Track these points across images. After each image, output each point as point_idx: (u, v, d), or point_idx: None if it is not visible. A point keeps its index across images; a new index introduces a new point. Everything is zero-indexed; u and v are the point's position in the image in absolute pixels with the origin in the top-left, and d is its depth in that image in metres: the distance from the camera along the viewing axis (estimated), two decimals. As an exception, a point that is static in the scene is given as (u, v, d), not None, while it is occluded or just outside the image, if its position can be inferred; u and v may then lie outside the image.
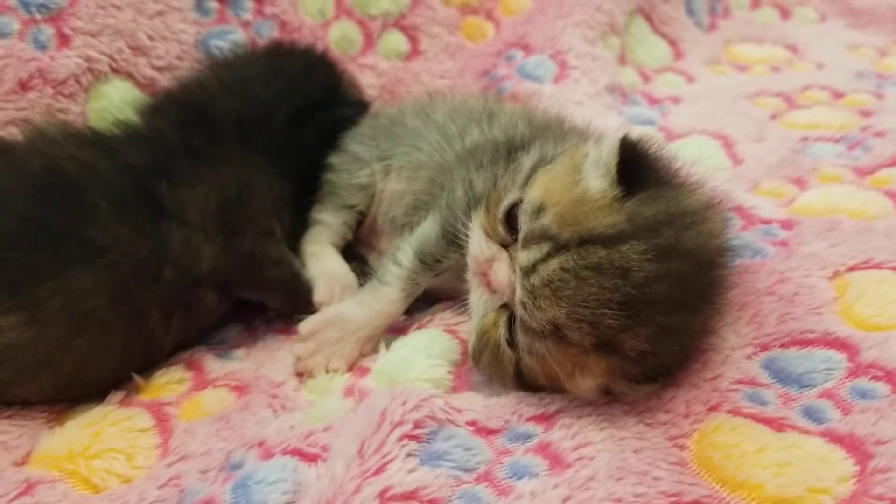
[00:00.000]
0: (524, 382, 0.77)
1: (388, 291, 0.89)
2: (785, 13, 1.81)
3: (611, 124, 1.24)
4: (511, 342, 0.75)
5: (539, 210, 0.73)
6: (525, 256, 0.72)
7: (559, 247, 0.70)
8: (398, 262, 0.89)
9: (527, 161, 0.83)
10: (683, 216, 0.73)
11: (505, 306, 0.76)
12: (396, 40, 1.38)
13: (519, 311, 0.72)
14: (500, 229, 0.78)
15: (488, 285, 0.77)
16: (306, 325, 0.89)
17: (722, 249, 0.79)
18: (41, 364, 0.81)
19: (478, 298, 0.79)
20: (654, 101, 1.44)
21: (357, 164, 1.06)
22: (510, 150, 0.90)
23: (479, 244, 0.79)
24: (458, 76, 1.40)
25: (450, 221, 0.87)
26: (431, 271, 0.88)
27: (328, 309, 0.91)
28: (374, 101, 1.24)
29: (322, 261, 1.00)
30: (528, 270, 0.71)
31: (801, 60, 1.61)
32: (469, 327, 0.81)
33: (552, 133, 0.97)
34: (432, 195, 0.94)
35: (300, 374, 0.90)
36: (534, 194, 0.75)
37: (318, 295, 0.95)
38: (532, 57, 1.37)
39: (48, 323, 0.80)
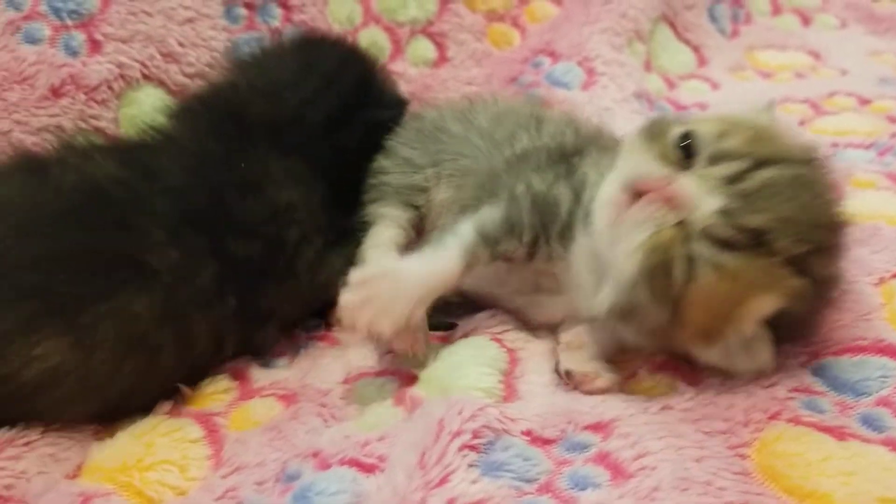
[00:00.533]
0: (675, 309, 0.73)
1: (446, 254, 0.83)
2: (806, 19, 1.81)
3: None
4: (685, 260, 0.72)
5: (722, 134, 0.75)
6: (723, 169, 0.72)
7: (760, 162, 0.72)
8: (457, 232, 0.85)
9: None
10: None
11: (678, 225, 0.72)
12: (424, 47, 1.38)
13: (712, 222, 0.70)
14: (673, 153, 0.76)
15: (669, 201, 0.72)
16: (358, 273, 0.82)
17: None
18: (87, 389, 0.80)
19: (637, 221, 0.73)
20: (680, 108, 1.45)
21: (411, 167, 1.04)
22: (562, 156, 0.89)
23: (646, 168, 0.76)
24: (485, 83, 1.39)
25: (514, 210, 0.85)
26: (488, 250, 0.84)
27: (382, 262, 0.87)
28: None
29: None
30: (733, 179, 0.71)
31: (825, 66, 1.62)
32: (614, 239, 0.75)
33: (600, 142, 0.98)
34: (480, 201, 0.93)
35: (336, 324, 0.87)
36: (708, 125, 0.77)
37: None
38: (560, 64, 1.37)
39: (96, 348, 0.78)
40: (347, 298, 0.80)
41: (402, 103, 1.15)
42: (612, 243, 0.76)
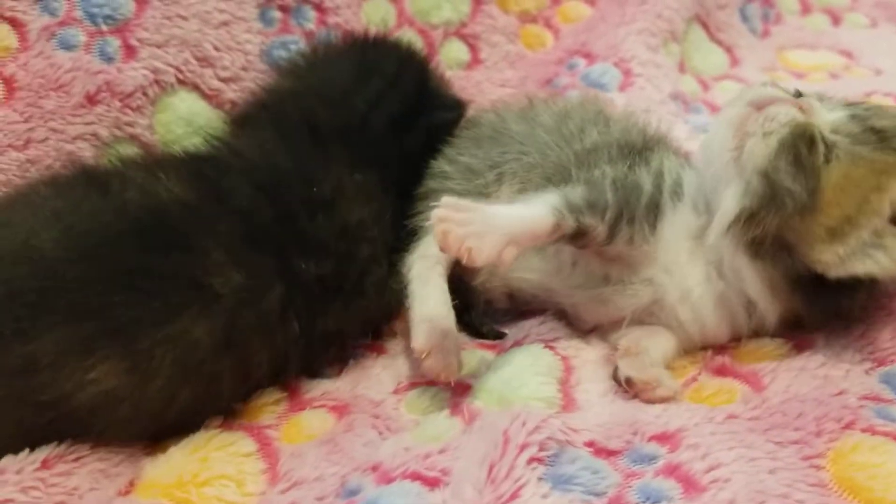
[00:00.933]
0: (815, 190, 0.77)
1: (536, 207, 0.81)
2: (836, 19, 1.79)
3: (678, 133, 1.22)
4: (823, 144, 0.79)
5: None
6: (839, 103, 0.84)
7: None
8: (542, 197, 0.82)
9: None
10: None
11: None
12: (457, 49, 1.36)
13: (844, 121, 0.80)
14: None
15: (799, 106, 0.81)
16: (450, 199, 0.79)
17: None
18: (141, 414, 0.77)
19: (771, 115, 0.81)
20: (715, 109, 1.42)
21: (471, 173, 1.01)
22: (633, 150, 0.89)
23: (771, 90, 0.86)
24: (520, 84, 1.38)
25: (595, 191, 0.83)
26: (573, 217, 0.80)
27: (475, 203, 0.81)
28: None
29: (425, 293, 0.90)
30: (850, 105, 0.83)
31: (858, 66, 1.60)
32: (751, 127, 0.81)
33: (667, 141, 0.98)
34: (552, 186, 0.90)
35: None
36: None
37: (418, 342, 0.85)
38: (596, 65, 1.35)
39: (152, 374, 0.75)
40: (442, 212, 0.76)
41: (461, 104, 1.12)
42: (740, 153, 0.81)
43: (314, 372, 0.92)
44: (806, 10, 1.79)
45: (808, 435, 0.72)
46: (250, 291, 0.81)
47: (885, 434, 0.70)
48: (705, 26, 1.57)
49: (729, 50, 1.59)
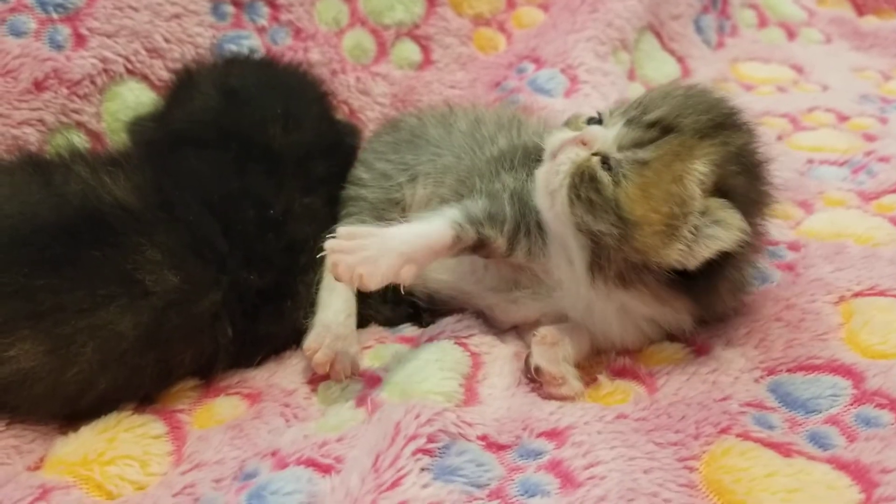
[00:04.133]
0: (621, 216, 0.78)
1: (435, 222, 0.84)
2: (791, 33, 1.82)
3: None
4: (608, 169, 0.80)
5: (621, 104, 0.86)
6: (622, 115, 0.83)
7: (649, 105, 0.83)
8: (442, 212, 0.86)
9: None
10: None
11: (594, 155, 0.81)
12: (409, 50, 1.39)
13: (621, 134, 0.81)
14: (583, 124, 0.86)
15: (581, 142, 0.82)
16: (346, 229, 0.82)
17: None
18: (57, 396, 0.80)
19: (561, 162, 0.82)
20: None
21: (385, 179, 1.05)
22: (537, 156, 0.91)
23: (561, 133, 0.86)
24: (469, 87, 1.40)
25: (494, 203, 0.87)
26: (474, 229, 0.84)
27: (369, 227, 0.85)
28: (385, 110, 1.24)
29: (328, 301, 0.94)
30: (627, 111, 0.83)
31: (807, 81, 1.63)
32: (551, 185, 0.83)
33: None
34: (461, 196, 0.93)
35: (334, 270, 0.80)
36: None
37: (307, 342, 0.90)
38: (543, 70, 1.38)
39: (72, 360, 0.78)
40: (335, 243, 0.80)
41: (358, 130, 1.20)
42: (556, 212, 0.82)
43: (239, 364, 0.94)
44: (763, 23, 1.82)
45: (687, 437, 0.75)
46: (184, 293, 0.84)
47: (757, 440, 0.74)
48: (658, 36, 1.59)
49: (681, 60, 1.61)
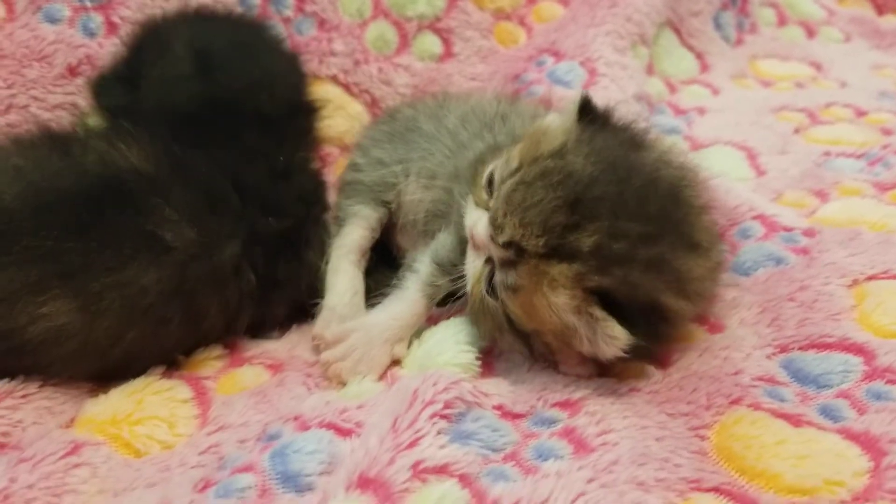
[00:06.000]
0: (518, 331, 0.80)
1: (407, 294, 0.91)
2: (811, 32, 1.83)
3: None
4: (492, 291, 0.80)
5: (509, 161, 0.81)
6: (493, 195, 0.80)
7: (515, 170, 0.78)
8: (415, 269, 0.92)
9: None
10: (632, 141, 0.82)
11: (487, 261, 0.81)
12: (430, 42, 1.41)
13: (491, 249, 0.79)
14: (483, 194, 0.83)
15: (476, 246, 0.82)
16: (331, 333, 0.90)
17: (684, 183, 0.82)
18: (89, 351, 0.84)
19: (471, 263, 0.84)
20: (679, 112, 1.47)
21: (381, 166, 1.09)
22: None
23: (469, 214, 0.84)
24: (489, 79, 1.42)
25: (462, 231, 0.88)
26: (448, 275, 0.89)
27: (350, 323, 0.92)
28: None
29: (334, 281, 1.00)
30: (494, 201, 0.79)
31: (825, 78, 1.63)
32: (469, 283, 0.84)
33: None
34: (448, 204, 0.97)
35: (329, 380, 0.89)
36: (508, 154, 0.83)
37: (315, 328, 0.95)
38: (562, 63, 1.39)
39: (101, 314, 0.82)
40: (327, 356, 0.88)
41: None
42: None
43: (262, 329, 0.98)
44: (782, 21, 1.83)
45: (699, 408, 0.77)
46: (203, 247, 0.89)
47: (769, 411, 0.76)
48: (677, 31, 1.61)
49: (700, 56, 1.63)
